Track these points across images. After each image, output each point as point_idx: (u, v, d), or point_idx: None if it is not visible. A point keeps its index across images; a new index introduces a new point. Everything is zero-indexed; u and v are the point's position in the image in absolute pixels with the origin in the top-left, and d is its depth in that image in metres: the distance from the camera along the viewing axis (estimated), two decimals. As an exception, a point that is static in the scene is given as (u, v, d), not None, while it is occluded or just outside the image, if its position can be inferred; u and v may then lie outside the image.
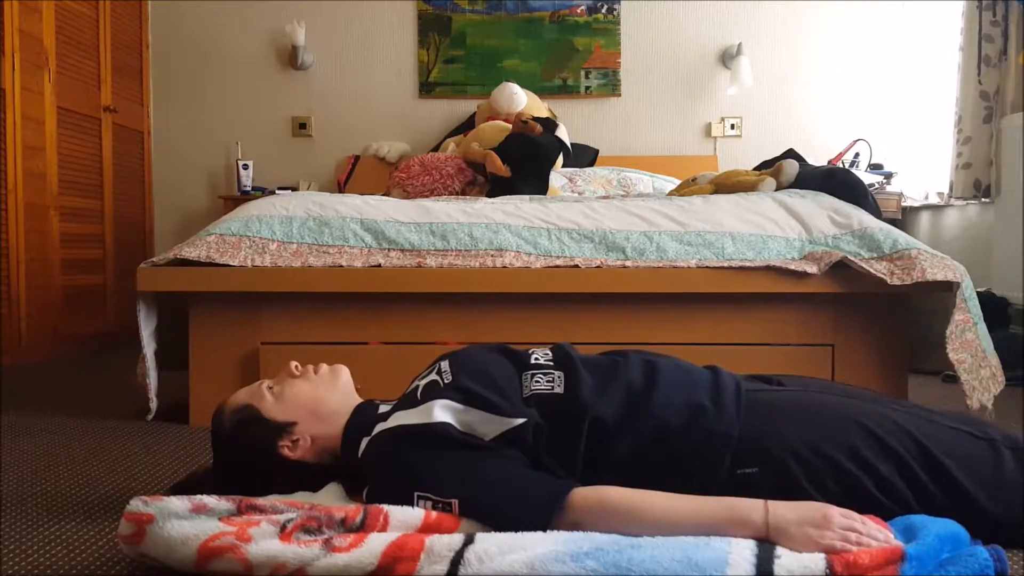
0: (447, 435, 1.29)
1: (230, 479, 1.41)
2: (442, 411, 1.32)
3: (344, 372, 1.53)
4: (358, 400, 1.51)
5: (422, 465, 1.28)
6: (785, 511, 1.16)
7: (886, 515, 1.24)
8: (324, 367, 1.52)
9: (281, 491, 1.39)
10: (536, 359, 1.45)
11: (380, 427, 1.38)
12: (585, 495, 1.22)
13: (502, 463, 1.28)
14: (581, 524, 1.19)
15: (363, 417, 1.44)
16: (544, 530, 1.18)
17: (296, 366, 1.51)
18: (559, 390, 1.37)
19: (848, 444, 1.29)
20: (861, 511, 1.21)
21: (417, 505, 1.25)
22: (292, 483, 1.41)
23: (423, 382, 1.43)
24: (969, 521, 1.23)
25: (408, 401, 1.40)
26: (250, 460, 1.42)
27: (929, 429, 1.32)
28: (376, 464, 1.34)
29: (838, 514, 1.15)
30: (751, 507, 1.17)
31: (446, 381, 1.38)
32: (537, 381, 1.40)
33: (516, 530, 1.19)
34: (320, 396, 1.46)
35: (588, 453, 1.32)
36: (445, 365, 1.43)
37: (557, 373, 1.40)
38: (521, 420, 1.31)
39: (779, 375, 1.55)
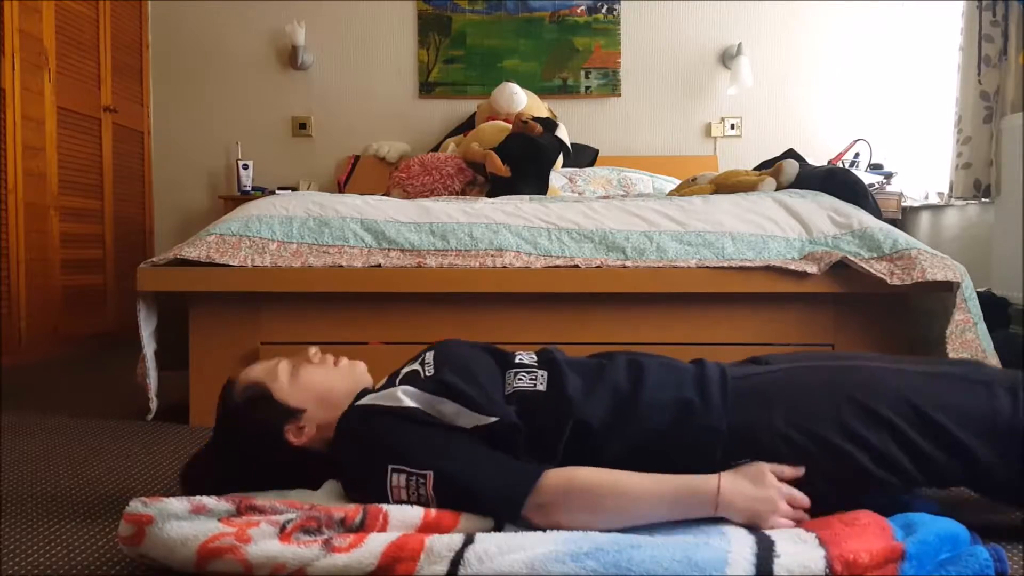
0: (415, 416, 1.31)
1: (230, 453, 1.41)
2: (409, 398, 1.33)
3: (361, 366, 1.52)
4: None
5: (393, 438, 1.29)
6: (731, 480, 1.24)
7: (883, 486, 1.27)
8: (344, 360, 1.51)
9: (278, 475, 1.39)
10: (520, 359, 1.46)
11: (366, 399, 1.38)
12: (555, 474, 1.24)
13: (475, 446, 1.29)
14: (551, 504, 1.21)
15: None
16: (516, 511, 1.21)
17: (315, 352, 1.50)
18: (541, 388, 1.38)
19: (838, 420, 1.29)
20: (858, 485, 1.27)
21: (391, 480, 1.26)
22: (291, 469, 1.41)
23: (404, 370, 1.44)
24: (970, 473, 1.25)
25: (384, 384, 1.42)
26: (253, 438, 1.41)
27: (920, 384, 1.32)
28: (348, 441, 1.35)
29: (769, 470, 1.24)
30: (706, 478, 1.24)
31: (427, 373, 1.39)
32: (520, 379, 1.40)
33: (488, 509, 1.22)
34: (332, 386, 1.45)
35: (573, 453, 1.32)
36: (429, 357, 1.44)
37: (541, 372, 1.41)
38: (494, 419, 1.31)
39: (768, 355, 1.53)
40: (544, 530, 1.19)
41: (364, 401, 1.37)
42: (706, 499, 1.23)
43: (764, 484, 1.23)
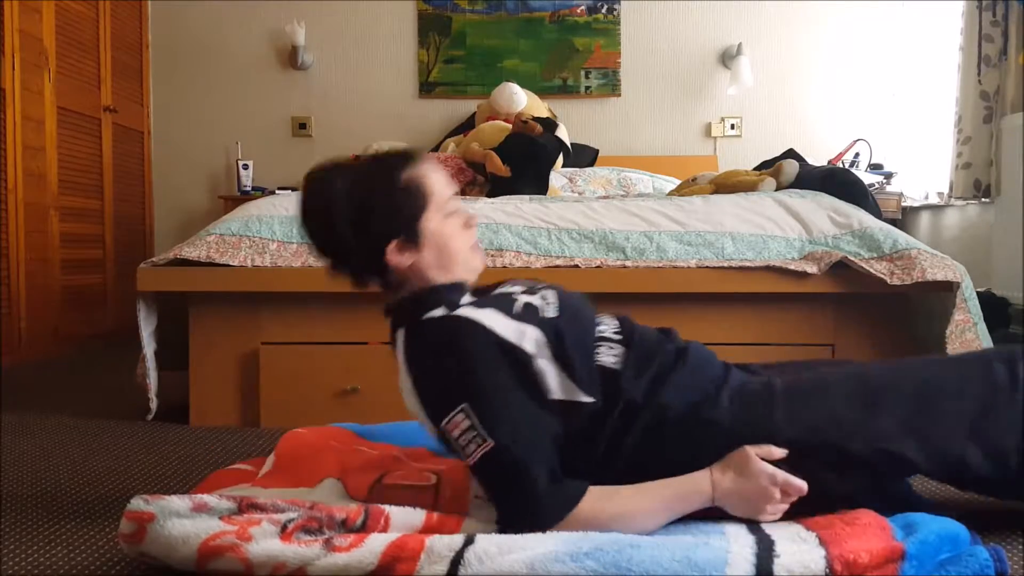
0: (530, 367, 1.26)
1: (350, 194, 1.31)
2: (531, 343, 1.27)
3: (480, 266, 1.43)
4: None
5: (489, 380, 1.24)
6: (721, 477, 1.24)
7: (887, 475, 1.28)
8: (480, 248, 1.44)
9: (348, 255, 1.34)
10: (603, 330, 1.39)
11: (469, 311, 1.31)
12: (580, 512, 1.21)
13: (544, 436, 1.24)
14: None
15: (455, 292, 1.37)
16: (543, 528, 1.19)
17: (475, 222, 1.42)
18: (617, 367, 1.33)
19: (839, 420, 1.28)
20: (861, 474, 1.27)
21: (456, 415, 1.22)
22: (358, 264, 1.36)
23: (523, 297, 1.36)
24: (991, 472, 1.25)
25: (504, 305, 1.34)
26: (377, 212, 1.32)
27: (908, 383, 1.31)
28: (442, 344, 1.28)
29: (756, 454, 1.23)
30: (697, 482, 1.24)
31: (548, 315, 1.32)
32: (599, 352, 1.34)
33: (507, 517, 1.20)
34: (455, 259, 1.37)
35: (613, 435, 1.30)
36: (551, 296, 1.37)
37: (622, 349, 1.35)
38: (589, 399, 1.28)
39: (755, 364, 1.52)
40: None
41: (490, 320, 1.29)
42: (701, 500, 1.24)
43: (752, 473, 1.23)
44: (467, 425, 1.22)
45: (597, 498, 1.23)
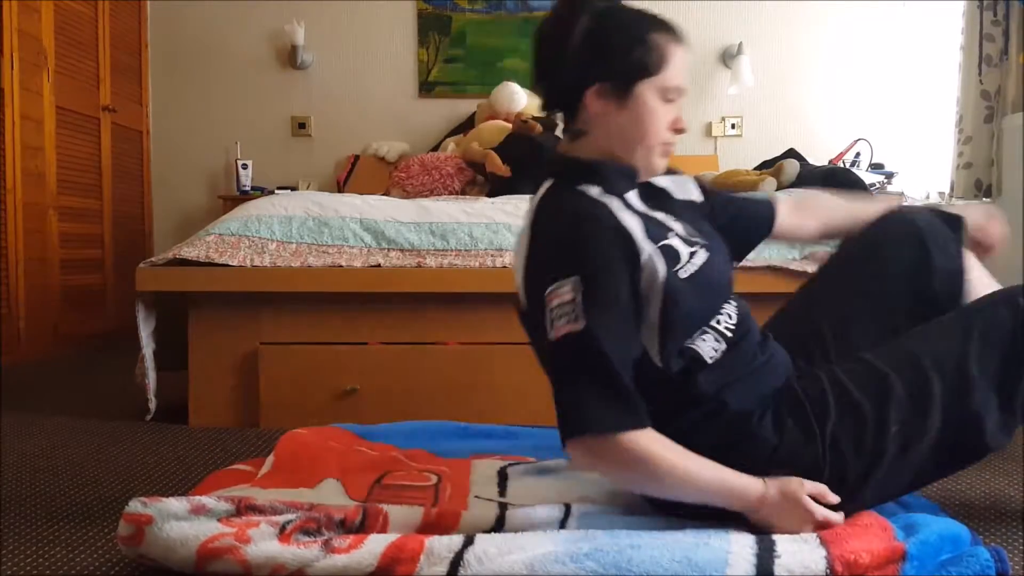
0: (642, 293, 1.21)
1: (590, 33, 1.28)
2: (653, 279, 1.21)
3: (659, 172, 1.35)
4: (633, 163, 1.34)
5: (610, 278, 1.18)
6: (773, 501, 1.20)
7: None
8: (669, 152, 1.34)
9: (557, 75, 1.32)
10: (719, 320, 1.30)
11: (619, 206, 1.25)
12: (635, 438, 1.16)
13: (636, 348, 1.20)
14: (608, 459, 1.18)
15: (622, 179, 1.31)
16: (575, 436, 1.17)
17: (683, 127, 1.32)
18: (710, 362, 1.26)
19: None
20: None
21: (563, 284, 1.17)
22: (565, 81, 1.30)
23: (674, 241, 1.26)
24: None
25: (652, 231, 1.25)
26: (599, 35, 1.27)
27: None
28: (586, 226, 1.22)
29: (807, 492, 1.20)
30: (749, 488, 1.20)
31: (680, 273, 1.23)
32: (703, 340, 1.27)
33: (565, 409, 1.18)
34: (645, 139, 1.29)
35: (665, 411, 1.24)
36: (699, 258, 1.27)
37: (724, 348, 1.27)
38: (658, 363, 1.22)
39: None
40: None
41: (629, 226, 1.22)
42: (741, 505, 1.20)
43: (799, 517, 1.19)
44: (569, 298, 1.16)
45: (661, 440, 1.18)
